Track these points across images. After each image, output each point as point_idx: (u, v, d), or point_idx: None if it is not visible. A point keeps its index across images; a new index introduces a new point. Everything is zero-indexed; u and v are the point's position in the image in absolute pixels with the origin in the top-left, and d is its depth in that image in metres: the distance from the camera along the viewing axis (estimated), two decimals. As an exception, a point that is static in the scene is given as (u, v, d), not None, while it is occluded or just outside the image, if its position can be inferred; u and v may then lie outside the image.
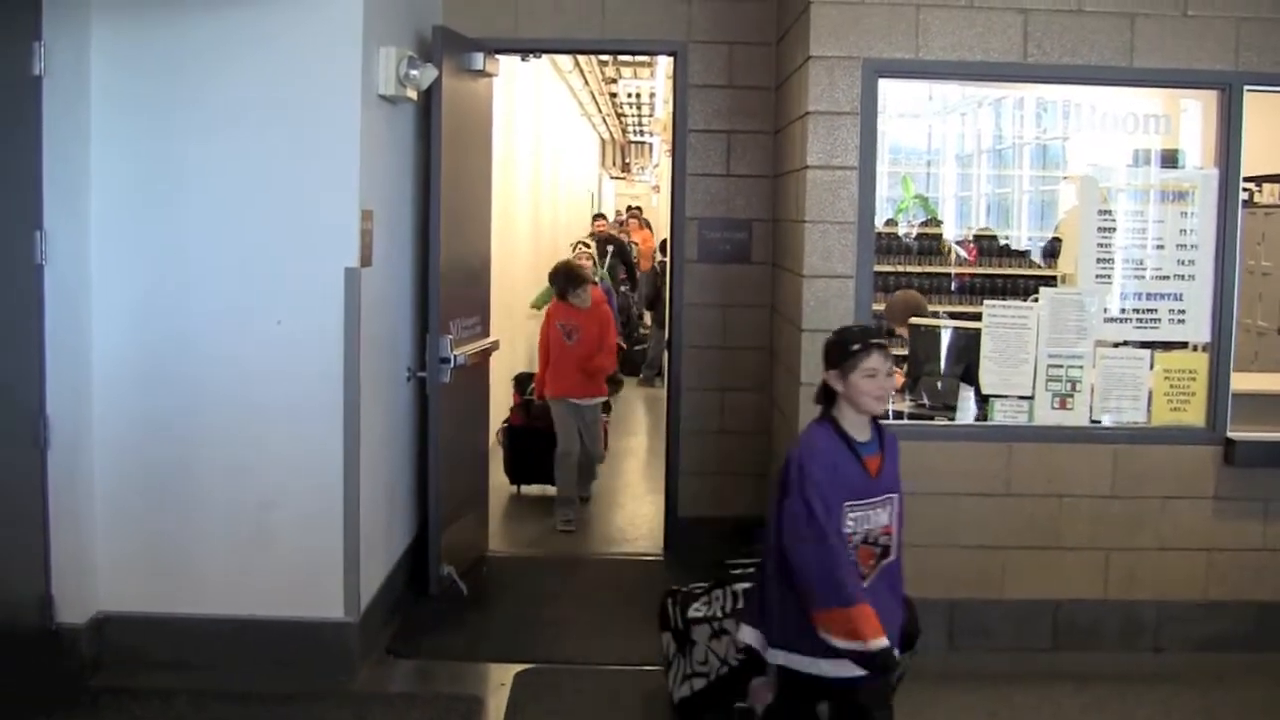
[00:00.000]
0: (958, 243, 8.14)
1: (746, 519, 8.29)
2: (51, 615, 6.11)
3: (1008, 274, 7.80)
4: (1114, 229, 6.87)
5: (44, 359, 6.00)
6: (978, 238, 8.06)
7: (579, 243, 13.00)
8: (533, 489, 10.60)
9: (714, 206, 8.37)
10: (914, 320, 7.59)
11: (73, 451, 6.17)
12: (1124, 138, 6.94)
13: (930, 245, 8.17)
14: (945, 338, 7.33)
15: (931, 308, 7.90)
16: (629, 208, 25.25)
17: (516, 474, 10.55)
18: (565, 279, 9.70)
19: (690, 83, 8.32)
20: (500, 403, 10.58)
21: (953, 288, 8.07)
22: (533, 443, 10.26)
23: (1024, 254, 7.89)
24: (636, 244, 19.29)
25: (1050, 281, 7.43)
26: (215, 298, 6.29)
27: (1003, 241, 8.01)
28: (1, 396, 5.79)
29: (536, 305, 12.93)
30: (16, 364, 5.88)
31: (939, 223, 8.19)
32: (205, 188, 6.26)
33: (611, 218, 24.32)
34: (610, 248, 16.70)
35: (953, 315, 7.75)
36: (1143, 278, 6.87)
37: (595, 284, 10.14)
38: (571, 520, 9.44)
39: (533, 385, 10.40)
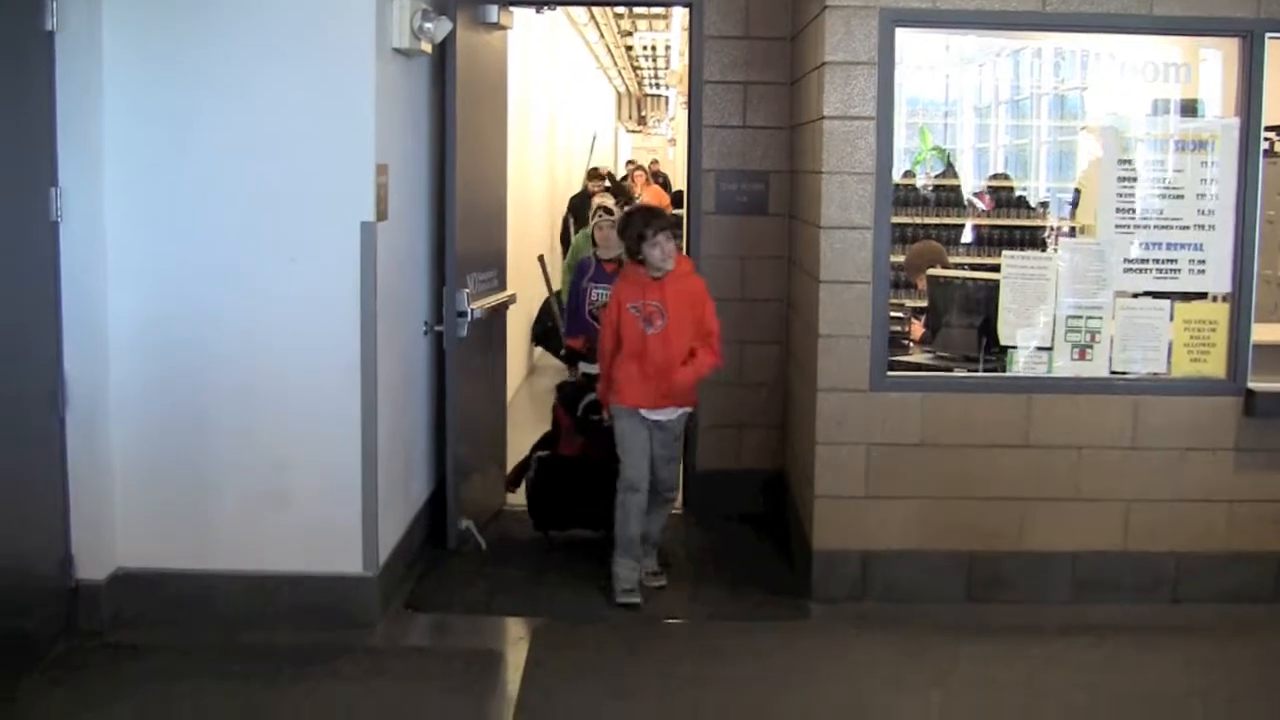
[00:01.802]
0: (975, 194, 8.06)
1: (764, 472, 8.29)
2: (71, 572, 6.14)
3: (1026, 225, 7.73)
4: (1134, 179, 6.83)
5: (60, 318, 6.01)
6: (992, 187, 8.00)
7: (599, 209, 10.04)
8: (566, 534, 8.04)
9: (730, 158, 8.31)
10: (933, 272, 7.56)
11: (90, 410, 6.18)
12: (1143, 87, 6.88)
13: (948, 197, 8.10)
14: (964, 289, 7.28)
15: (952, 259, 7.85)
16: (631, 164, 24.22)
17: (547, 515, 7.89)
18: (642, 225, 6.83)
19: (706, 34, 8.25)
20: (518, 362, 10.49)
21: (970, 239, 8.00)
22: (575, 473, 7.87)
23: (1043, 205, 7.82)
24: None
25: (1070, 233, 7.36)
26: (228, 254, 6.27)
27: (1019, 192, 7.94)
28: (20, 355, 5.80)
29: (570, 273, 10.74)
30: (35, 322, 5.89)
31: (956, 174, 8.12)
32: (219, 143, 6.23)
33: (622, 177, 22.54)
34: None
35: (973, 267, 7.70)
36: (1163, 228, 6.82)
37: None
38: (634, 590, 6.92)
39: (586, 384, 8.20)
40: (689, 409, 7.12)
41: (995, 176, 8.09)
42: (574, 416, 8.01)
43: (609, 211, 9.44)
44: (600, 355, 7.20)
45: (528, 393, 13.00)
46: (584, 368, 8.68)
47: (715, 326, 6.95)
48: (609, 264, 8.73)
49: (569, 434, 8.06)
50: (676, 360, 6.83)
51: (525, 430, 9.39)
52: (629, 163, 25.12)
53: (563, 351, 9.67)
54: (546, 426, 8.44)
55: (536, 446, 8.30)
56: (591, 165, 18.43)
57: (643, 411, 6.91)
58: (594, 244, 9.33)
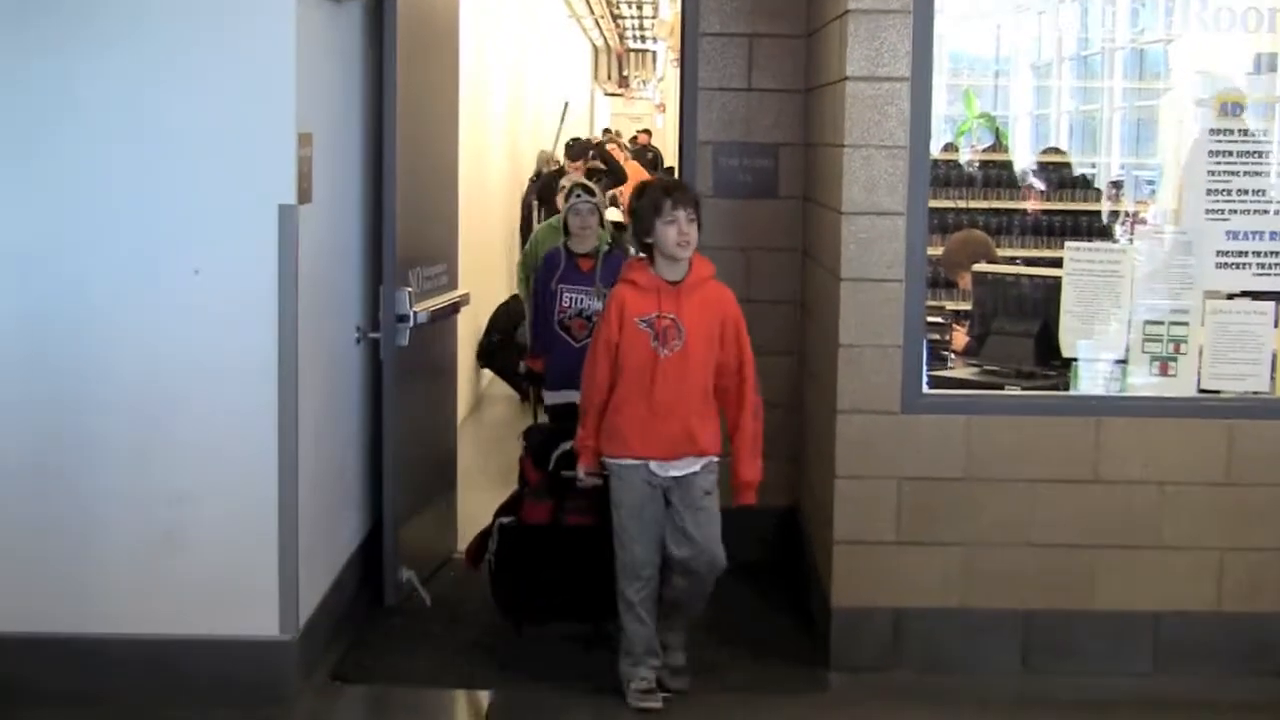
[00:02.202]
0: (1031, 171, 8.03)
1: (774, 511, 8.21)
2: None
3: (1094, 210, 7.69)
4: (1230, 153, 6.78)
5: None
6: (1053, 164, 7.97)
7: (576, 187, 9.45)
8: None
9: (732, 128, 8.28)
10: (978, 267, 7.52)
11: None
12: (1243, 39, 6.84)
13: (998, 175, 8.06)
14: (1016, 288, 7.23)
15: (1002, 252, 7.81)
16: (607, 133, 23.93)
17: (515, 603, 7.24)
18: (661, 194, 6.35)
19: (703, -25, 8.21)
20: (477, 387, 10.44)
21: (1026, 226, 7.96)
22: (552, 546, 7.14)
23: (1115, 185, 7.80)
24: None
25: (1149, 220, 7.35)
26: (116, 243, 6.21)
27: (1085, 170, 7.92)
28: None
29: (525, 272, 10.58)
30: None
31: (1008, 147, 8.09)
32: (101, 110, 6.16)
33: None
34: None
35: (1027, 261, 7.66)
36: (1264, 213, 6.79)
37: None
38: (652, 692, 6.38)
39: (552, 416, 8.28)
40: (715, 457, 6.44)
41: (1055, 150, 8.06)
42: (544, 469, 7.30)
43: (588, 190, 9.11)
44: (588, 388, 6.52)
45: (473, 432, 12.46)
46: (549, 397, 8.56)
47: (751, 355, 6.46)
48: (585, 260, 8.60)
49: (537, 494, 7.29)
50: (697, 395, 6.32)
51: (474, 485, 9.32)
52: (605, 131, 25.14)
53: (521, 370, 9.56)
54: (499, 480, 8.45)
55: (502, 510, 7.44)
56: (571, 138, 18.28)
57: (653, 465, 6.32)
58: (566, 233, 8.88)
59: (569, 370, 7.78)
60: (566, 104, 21.56)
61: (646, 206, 6.28)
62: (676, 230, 6.23)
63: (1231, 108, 6.82)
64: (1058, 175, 7.92)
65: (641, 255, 6.45)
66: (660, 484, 6.33)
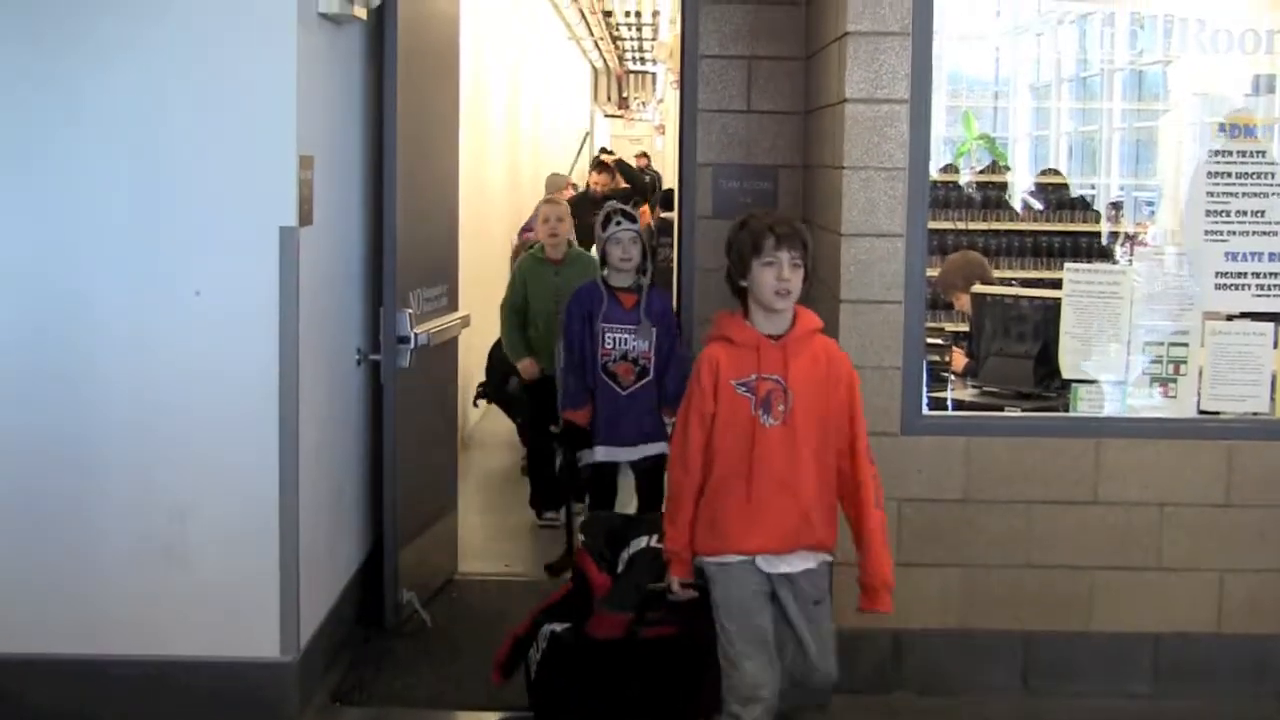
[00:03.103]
0: (1030, 192, 8.05)
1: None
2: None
3: (1093, 231, 7.72)
4: (1229, 174, 6.78)
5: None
6: (1040, 185, 7.99)
7: (614, 212, 8.03)
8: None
9: (732, 150, 8.27)
10: (978, 289, 7.53)
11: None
12: (1241, 60, 6.86)
13: (997, 196, 8.08)
14: (1016, 309, 7.23)
15: (1000, 273, 7.83)
16: (602, 153, 23.89)
17: None
18: (762, 232, 5.34)
19: (702, -3, 8.23)
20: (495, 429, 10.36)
21: (1024, 247, 7.98)
22: (622, 663, 5.92)
23: (1114, 206, 7.83)
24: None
25: (1148, 241, 7.37)
26: (118, 264, 6.20)
27: (1084, 191, 7.94)
28: None
29: (514, 315, 9.60)
30: None
31: (1008, 168, 8.12)
32: (103, 128, 6.15)
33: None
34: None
35: (1025, 282, 7.68)
36: (1265, 234, 6.79)
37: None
38: None
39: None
40: (829, 555, 5.43)
41: (1052, 172, 8.08)
42: (614, 572, 6.09)
43: (628, 217, 7.92)
44: (678, 474, 5.41)
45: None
46: (596, 453, 7.74)
47: (865, 428, 5.47)
48: (627, 294, 7.74)
49: (611, 604, 5.98)
50: (810, 473, 5.27)
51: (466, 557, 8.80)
52: (601, 150, 25.15)
53: (557, 428, 8.20)
54: (491, 551, 8.36)
55: (548, 613, 6.32)
56: (592, 158, 17.94)
57: (760, 561, 5.27)
58: (602, 265, 7.90)
59: (616, 422, 7.66)
60: (587, 133, 21.50)
61: (745, 243, 5.34)
62: (775, 277, 5.26)
63: (1233, 129, 6.84)
64: (1056, 196, 7.94)
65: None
66: (768, 585, 5.30)
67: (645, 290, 7.66)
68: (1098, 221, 7.75)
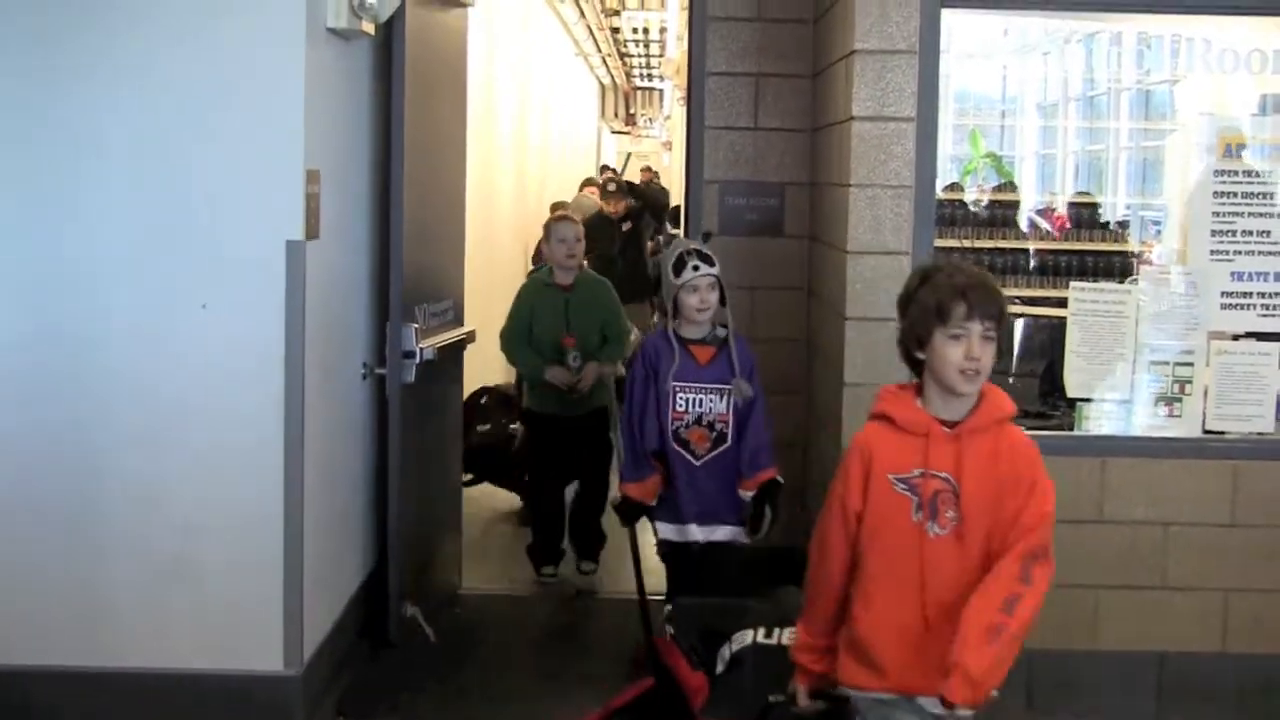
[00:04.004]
0: (1039, 211, 8.04)
1: (780, 550, 8.18)
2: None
3: (1099, 249, 7.71)
4: (1235, 194, 6.79)
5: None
6: (1074, 204, 7.97)
7: (690, 253, 6.76)
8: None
9: (738, 167, 8.30)
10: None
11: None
12: (1248, 79, 6.88)
13: (1004, 215, 8.07)
14: (1022, 328, 7.25)
15: (1005, 291, 7.83)
16: (605, 170, 23.54)
17: None
18: (954, 294, 4.27)
19: (710, 14, 8.25)
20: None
21: (1032, 266, 7.97)
22: None
23: (1121, 225, 7.82)
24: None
25: (1154, 260, 7.37)
26: (123, 277, 6.21)
27: (1091, 210, 7.94)
28: None
29: (513, 344, 8.85)
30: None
31: (1015, 187, 8.11)
32: (110, 144, 6.17)
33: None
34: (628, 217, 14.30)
35: (1030, 301, 7.67)
36: (1271, 254, 6.81)
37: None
38: None
39: None
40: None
41: (1061, 191, 8.07)
42: (712, 672, 5.43)
43: (705, 259, 6.65)
44: (815, 576, 4.59)
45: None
46: (664, 531, 6.79)
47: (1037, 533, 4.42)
48: (701, 348, 6.73)
49: (717, 710, 5.28)
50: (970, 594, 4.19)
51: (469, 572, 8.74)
52: (603, 168, 25.11)
53: (616, 500, 7.06)
54: (494, 567, 8.32)
55: (622, 713, 5.69)
56: (608, 178, 17.12)
57: (924, 702, 4.30)
58: (673, 314, 6.77)
59: (687, 497, 6.71)
60: (630, 154, 21.30)
61: (927, 305, 4.28)
62: (963, 355, 4.24)
63: (1235, 149, 6.85)
64: (1073, 213, 7.92)
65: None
66: None
67: (728, 342, 6.69)
68: (1105, 239, 7.74)
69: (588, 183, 17.35)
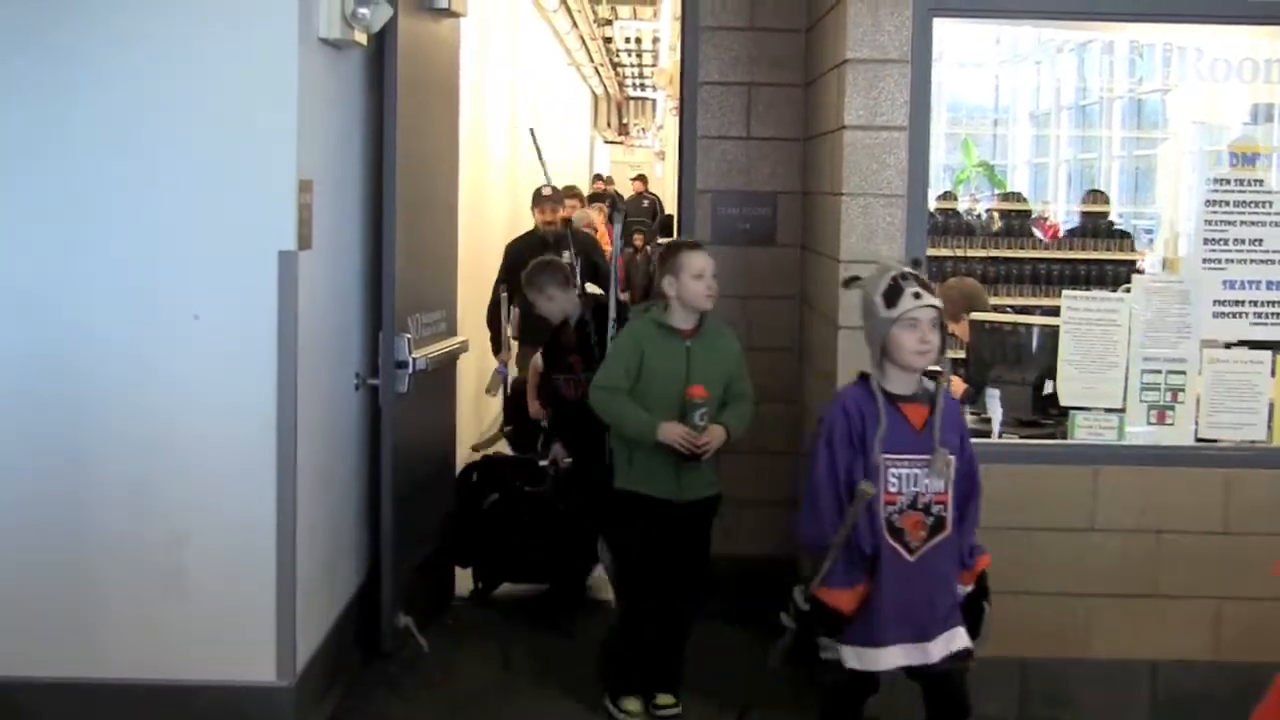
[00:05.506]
0: (1031, 220, 8.06)
1: (776, 559, 8.18)
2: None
3: (1092, 258, 7.72)
4: (1227, 202, 6.79)
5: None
6: (1085, 213, 7.99)
7: (905, 274, 5.36)
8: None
9: (731, 176, 8.30)
10: (976, 316, 7.52)
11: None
12: (1240, 89, 6.89)
13: (1008, 224, 8.10)
14: (1014, 337, 7.23)
15: (998, 300, 7.83)
16: (597, 180, 23.20)
17: None
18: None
19: (702, 24, 8.24)
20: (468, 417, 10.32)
21: (1025, 275, 7.99)
22: None
23: (1113, 233, 7.83)
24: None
25: (1146, 269, 7.37)
26: (116, 287, 6.21)
27: (1083, 219, 7.95)
28: None
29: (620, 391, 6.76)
30: None
31: (1012, 195, 8.13)
32: (103, 154, 6.17)
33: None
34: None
35: (1023, 309, 7.68)
36: (1263, 262, 6.80)
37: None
38: None
39: None
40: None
41: (1097, 193, 8.08)
42: None
43: (927, 287, 5.32)
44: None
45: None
46: (857, 658, 5.38)
47: None
48: (913, 406, 5.36)
49: None
50: None
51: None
52: (596, 178, 25.08)
53: (800, 603, 5.39)
54: None
55: None
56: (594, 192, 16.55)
57: None
58: (881, 357, 5.33)
59: (902, 603, 5.27)
60: (641, 175, 21.06)
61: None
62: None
63: (1233, 158, 6.85)
64: (1100, 225, 7.94)
65: None
66: None
67: (940, 395, 5.33)
68: (1098, 248, 7.76)
69: (570, 192, 16.83)
